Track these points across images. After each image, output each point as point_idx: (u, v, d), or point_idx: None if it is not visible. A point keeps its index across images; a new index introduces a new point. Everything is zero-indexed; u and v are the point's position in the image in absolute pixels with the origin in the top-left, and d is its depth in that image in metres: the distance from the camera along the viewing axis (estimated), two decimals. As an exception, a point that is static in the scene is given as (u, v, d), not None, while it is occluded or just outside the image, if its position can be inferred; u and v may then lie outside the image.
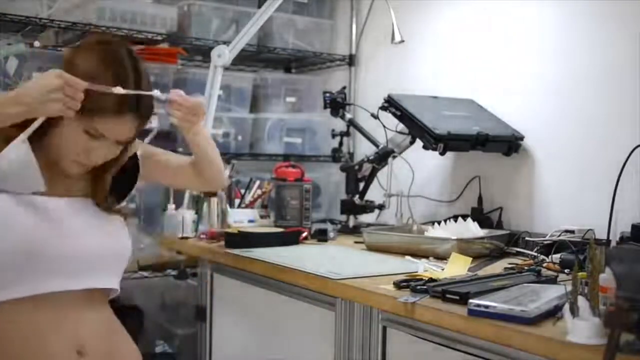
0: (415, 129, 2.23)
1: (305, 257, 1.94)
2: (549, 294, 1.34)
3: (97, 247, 1.39)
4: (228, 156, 2.65)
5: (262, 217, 2.50)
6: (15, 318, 1.30)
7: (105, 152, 1.36)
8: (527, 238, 2.03)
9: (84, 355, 1.33)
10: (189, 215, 2.33)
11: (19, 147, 1.29)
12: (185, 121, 1.50)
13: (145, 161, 1.53)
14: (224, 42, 2.52)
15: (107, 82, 1.28)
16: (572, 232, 1.93)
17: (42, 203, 1.34)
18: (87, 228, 1.38)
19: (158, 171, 1.61)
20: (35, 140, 1.32)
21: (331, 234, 2.30)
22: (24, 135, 1.29)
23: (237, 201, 2.51)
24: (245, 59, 3.03)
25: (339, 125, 2.76)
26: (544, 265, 1.80)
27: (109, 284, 1.43)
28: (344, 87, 2.69)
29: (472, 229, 2.04)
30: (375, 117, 2.39)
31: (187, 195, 2.43)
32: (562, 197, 2.17)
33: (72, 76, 1.24)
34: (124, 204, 1.49)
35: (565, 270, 1.73)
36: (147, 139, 1.64)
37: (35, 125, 1.30)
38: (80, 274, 1.35)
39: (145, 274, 2.67)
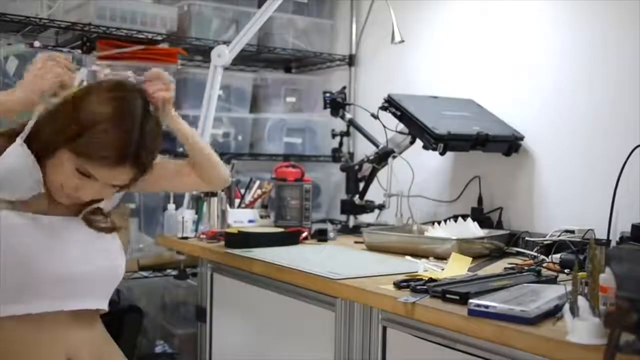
0: (415, 129, 2.23)
1: (305, 257, 1.94)
2: (549, 294, 1.34)
3: (92, 270, 1.39)
4: (228, 156, 2.65)
5: (262, 217, 2.50)
6: (5, 335, 1.31)
7: (96, 192, 1.35)
8: (527, 238, 2.03)
9: None
10: (189, 215, 2.33)
11: (17, 149, 1.29)
12: (162, 92, 1.47)
13: None
14: (224, 42, 2.52)
15: (110, 128, 1.27)
16: (572, 232, 1.93)
17: (40, 222, 1.34)
18: (83, 250, 1.39)
19: (156, 180, 1.57)
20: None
21: (331, 234, 2.30)
22: (20, 139, 1.30)
23: (237, 201, 2.51)
24: (245, 59, 3.03)
25: (339, 125, 2.76)
26: (544, 265, 1.80)
27: (99, 305, 1.44)
28: (344, 87, 2.69)
29: (472, 229, 2.04)
30: (375, 117, 2.39)
31: (187, 195, 2.43)
32: (562, 197, 2.17)
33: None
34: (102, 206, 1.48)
35: (565, 270, 1.73)
36: None
37: (30, 124, 1.31)
38: (73, 296, 1.36)
39: (145, 274, 2.67)
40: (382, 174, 2.48)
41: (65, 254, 1.35)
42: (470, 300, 1.29)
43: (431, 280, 1.51)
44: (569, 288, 1.20)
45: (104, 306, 1.45)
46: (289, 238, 2.21)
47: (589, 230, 1.90)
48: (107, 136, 1.27)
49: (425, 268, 1.74)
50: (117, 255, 1.46)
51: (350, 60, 3.13)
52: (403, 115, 2.25)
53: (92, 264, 1.39)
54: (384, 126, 2.42)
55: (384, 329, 1.57)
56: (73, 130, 1.27)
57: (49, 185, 1.35)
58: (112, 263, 1.44)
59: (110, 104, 1.30)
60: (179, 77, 2.74)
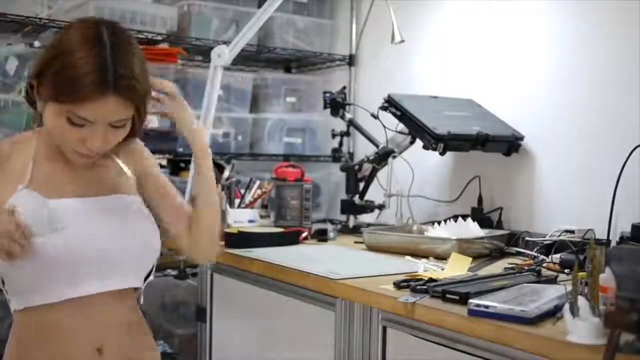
0: (415, 129, 2.23)
1: (305, 257, 1.94)
2: (549, 294, 1.34)
3: (120, 248, 1.33)
4: (228, 156, 2.65)
5: (262, 217, 2.50)
6: (37, 320, 1.29)
7: (102, 137, 1.27)
8: (527, 238, 2.04)
9: (103, 355, 1.31)
10: (189, 215, 2.33)
11: (24, 195, 1.26)
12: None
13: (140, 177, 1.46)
14: (224, 42, 2.52)
15: (84, 54, 1.21)
16: (572, 232, 1.93)
17: (60, 206, 1.30)
18: (109, 228, 1.33)
19: (148, 193, 1.49)
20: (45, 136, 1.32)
21: (331, 234, 2.30)
22: (22, 186, 1.27)
23: (237, 201, 2.51)
24: (245, 59, 3.03)
25: (339, 125, 2.76)
26: (544, 265, 1.80)
27: (132, 284, 1.37)
28: (344, 87, 2.69)
29: (472, 229, 2.04)
30: (375, 117, 2.39)
31: (187, 195, 2.43)
32: (562, 197, 2.17)
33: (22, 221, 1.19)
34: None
35: (565, 270, 1.73)
36: None
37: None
38: (103, 277, 1.31)
39: (145, 273, 2.67)
40: (382, 174, 2.48)
41: (87, 236, 1.30)
42: (470, 300, 1.29)
43: (431, 280, 1.51)
44: (569, 288, 1.20)
45: (135, 284, 1.38)
46: (289, 238, 2.21)
47: (589, 230, 1.90)
48: (77, 66, 1.21)
49: (425, 268, 1.74)
50: (146, 231, 1.38)
51: (350, 60, 3.13)
52: (403, 115, 2.25)
53: (118, 245, 1.33)
54: (384, 126, 2.42)
55: (384, 329, 1.57)
56: (48, 78, 1.23)
57: (63, 151, 1.31)
58: (142, 240, 1.37)
59: (72, 36, 1.25)
60: (179, 77, 2.74)
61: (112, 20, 1.34)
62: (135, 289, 1.42)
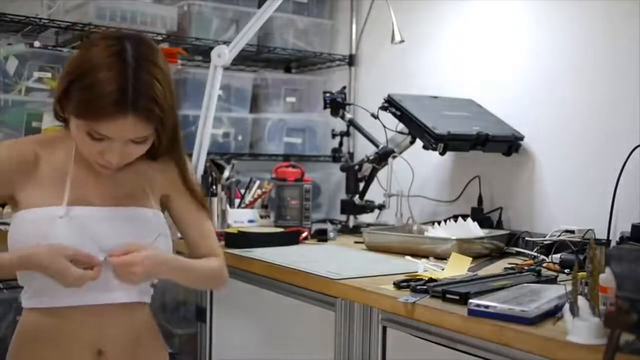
0: (415, 129, 2.23)
1: (305, 257, 1.94)
2: (549, 294, 1.34)
3: None
4: (228, 156, 2.65)
5: (262, 217, 2.50)
6: (40, 321, 1.31)
7: (121, 152, 1.28)
8: (527, 238, 2.04)
9: (104, 356, 1.33)
10: (189, 215, 2.33)
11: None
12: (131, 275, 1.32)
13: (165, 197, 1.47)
14: (224, 42, 2.52)
15: (106, 74, 1.22)
16: (572, 232, 1.93)
17: (79, 213, 1.31)
18: (121, 242, 1.32)
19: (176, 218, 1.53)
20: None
21: (331, 234, 2.30)
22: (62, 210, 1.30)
23: (237, 201, 2.51)
24: (245, 59, 3.03)
25: (339, 125, 2.76)
26: (544, 265, 1.80)
27: (135, 299, 1.38)
28: (344, 87, 2.69)
29: (472, 229, 2.04)
30: (375, 117, 2.39)
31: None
32: (562, 197, 2.17)
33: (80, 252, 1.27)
34: None
35: (565, 270, 1.73)
36: None
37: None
38: (109, 289, 1.32)
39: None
40: (382, 174, 2.48)
41: (93, 245, 1.30)
42: (470, 300, 1.29)
43: (431, 280, 1.51)
44: (569, 288, 1.20)
45: (143, 299, 1.40)
46: (289, 238, 2.21)
47: (589, 230, 1.90)
48: (98, 87, 1.21)
49: (425, 268, 1.74)
50: (159, 245, 1.39)
51: (350, 60, 3.13)
52: (403, 115, 2.25)
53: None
54: (384, 126, 2.42)
55: (384, 329, 1.57)
56: (72, 94, 1.25)
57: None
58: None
59: (96, 54, 1.25)
60: (179, 77, 2.74)
61: (138, 35, 1.34)
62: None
